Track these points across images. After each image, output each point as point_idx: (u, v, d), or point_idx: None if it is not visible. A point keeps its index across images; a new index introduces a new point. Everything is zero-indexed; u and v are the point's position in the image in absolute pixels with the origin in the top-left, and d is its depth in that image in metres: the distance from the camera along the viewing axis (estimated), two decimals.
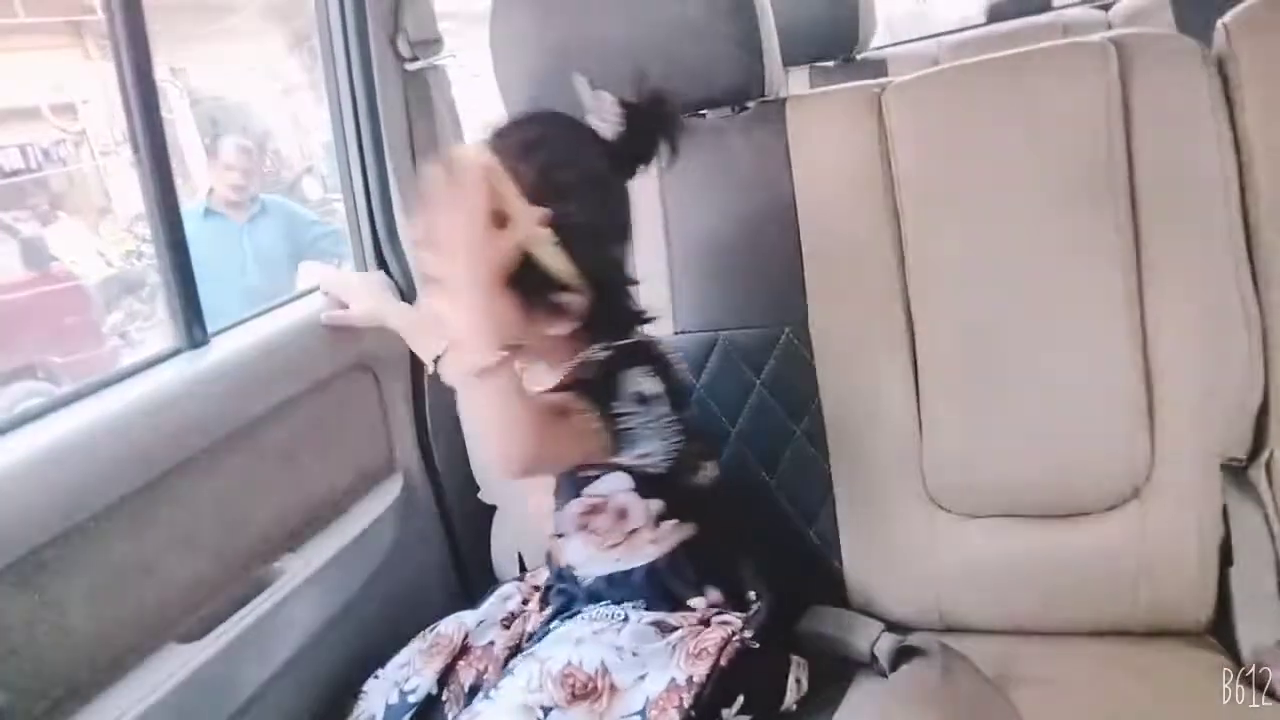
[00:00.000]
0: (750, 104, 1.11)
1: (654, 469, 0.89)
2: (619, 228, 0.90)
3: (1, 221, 5.77)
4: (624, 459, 0.87)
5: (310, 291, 1.22)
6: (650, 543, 0.93)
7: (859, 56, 2.25)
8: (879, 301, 1.03)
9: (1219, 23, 0.93)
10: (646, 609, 0.93)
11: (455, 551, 1.33)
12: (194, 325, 1.06)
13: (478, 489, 1.29)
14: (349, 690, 1.00)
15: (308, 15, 1.29)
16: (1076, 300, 0.96)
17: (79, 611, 0.84)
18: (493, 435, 0.80)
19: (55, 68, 6.83)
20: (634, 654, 0.87)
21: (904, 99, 1.03)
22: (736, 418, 1.10)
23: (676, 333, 1.11)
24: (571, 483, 0.92)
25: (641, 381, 0.87)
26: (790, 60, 1.19)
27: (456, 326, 0.79)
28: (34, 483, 0.81)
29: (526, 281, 0.81)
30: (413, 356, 1.31)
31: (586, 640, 0.89)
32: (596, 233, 0.85)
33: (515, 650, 0.98)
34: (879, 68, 2.22)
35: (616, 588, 0.95)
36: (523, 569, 1.21)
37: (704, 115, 1.13)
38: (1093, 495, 0.98)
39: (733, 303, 1.10)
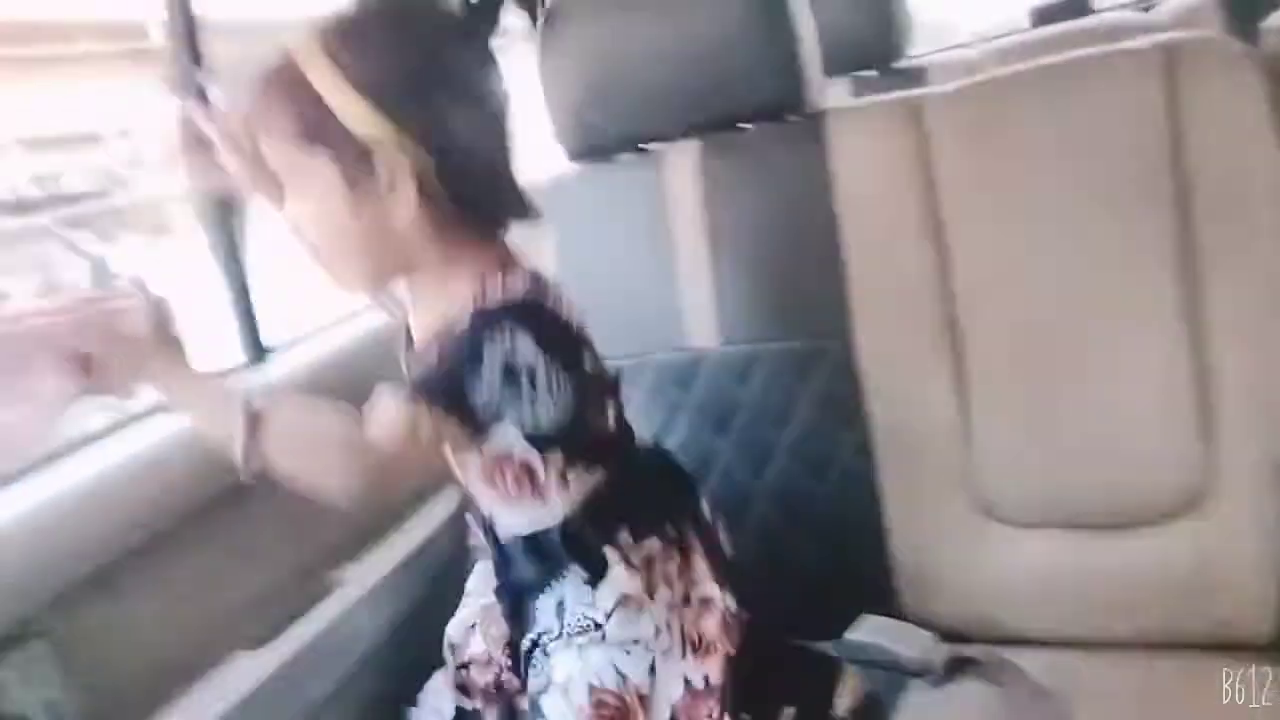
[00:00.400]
0: (791, 117, 1.12)
1: (545, 430, 0.81)
2: (447, 87, 0.77)
3: (71, 241, 5.97)
4: (500, 434, 0.80)
5: (369, 308, 1.25)
6: (559, 496, 0.86)
7: (900, 65, 2.24)
8: (925, 312, 1.03)
9: (1260, 26, 0.93)
10: (571, 565, 0.86)
11: None
12: (254, 341, 1.09)
13: None
14: (408, 699, 1.02)
15: None
16: (1128, 308, 0.95)
17: (153, 621, 0.87)
18: (318, 481, 0.75)
19: (116, 94, 7.06)
20: (635, 641, 0.85)
21: (945, 109, 1.03)
22: (784, 430, 1.11)
23: (723, 344, 1.12)
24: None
25: (513, 354, 0.76)
26: (831, 70, 1.19)
27: (331, 268, 0.80)
28: (110, 497, 0.85)
29: (342, 151, 0.75)
30: None
31: (589, 648, 0.85)
32: (421, 79, 0.75)
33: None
34: (920, 77, 2.20)
35: (538, 555, 0.87)
36: None
37: (746, 129, 1.14)
38: (1149, 505, 0.96)
39: (778, 315, 1.11)
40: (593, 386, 0.86)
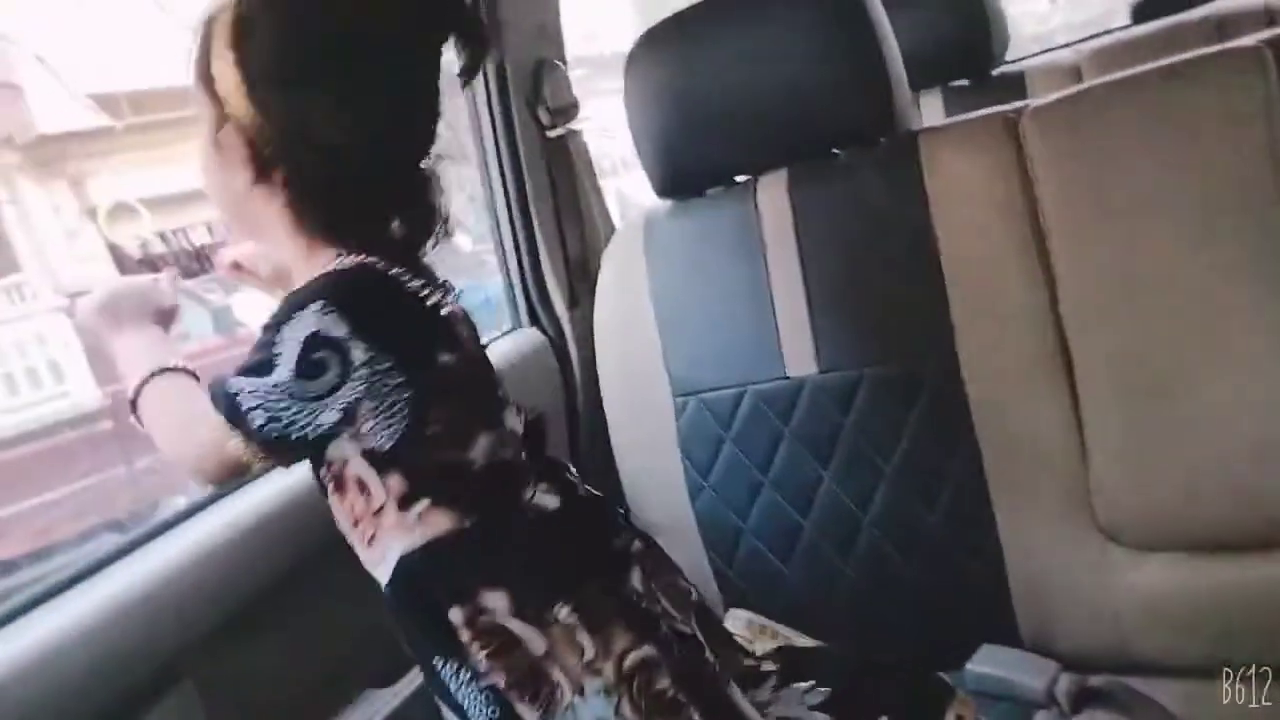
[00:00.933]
0: (882, 139, 1.11)
1: (376, 444, 0.71)
2: (353, 84, 0.72)
3: (194, 292, 6.36)
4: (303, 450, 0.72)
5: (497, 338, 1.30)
6: (398, 528, 0.74)
7: (996, 72, 2.19)
8: (1030, 331, 1.00)
9: None
10: (420, 616, 0.74)
11: None
12: None
13: (629, 513, 1.33)
14: None
15: (456, 88, 1.39)
16: (1244, 322, 0.91)
17: (289, 661, 0.92)
18: (169, 448, 0.76)
19: None
20: None
21: (1044, 123, 1.00)
22: (890, 456, 1.09)
23: (821, 372, 1.12)
24: None
25: (316, 337, 0.68)
26: (921, 83, 1.18)
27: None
28: (247, 547, 0.90)
29: (209, 104, 0.74)
30: (569, 403, 1.37)
31: None
32: (301, 69, 0.72)
33: None
34: (1016, 83, 2.14)
35: (400, 599, 0.76)
36: None
37: (836, 155, 1.14)
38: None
39: (876, 341, 1.10)
40: (448, 392, 0.74)
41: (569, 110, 1.37)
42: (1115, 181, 0.97)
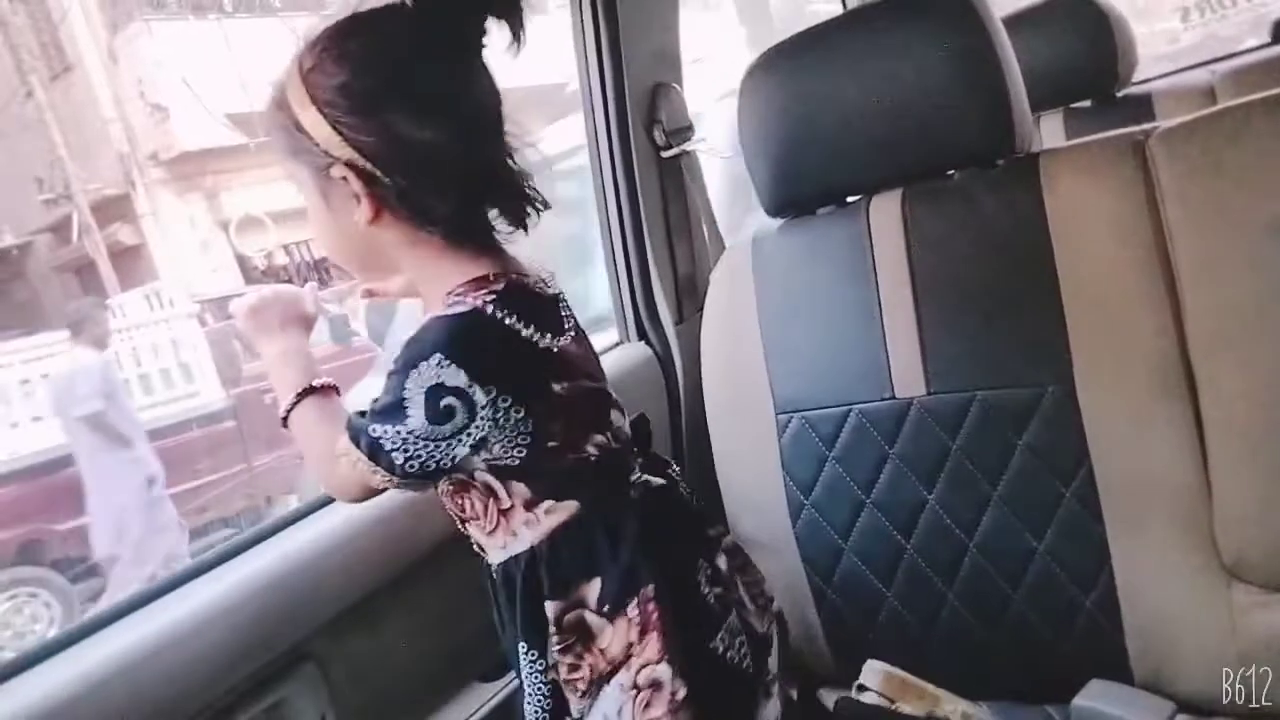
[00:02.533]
0: (1000, 161, 1.10)
1: (505, 462, 0.79)
2: (426, 98, 0.77)
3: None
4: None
5: (605, 351, 1.33)
6: (525, 525, 0.82)
7: (1122, 93, 2.11)
8: (1153, 357, 0.98)
9: None
10: (522, 604, 0.82)
11: None
12: None
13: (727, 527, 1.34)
14: None
15: (564, 97, 1.44)
16: None
17: (402, 649, 0.97)
18: (317, 472, 0.83)
19: None
20: None
21: (1172, 146, 0.98)
22: (998, 481, 1.07)
23: (930, 393, 1.11)
24: None
25: (440, 389, 0.74)
26: (1041, 105, 1.16)
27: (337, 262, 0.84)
28: (371, 537, 0.95)
29: (306, 160, 0.79)
30: (674, 418, 1.40)
31: None
32: (375, 96, 0.76)
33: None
34: (1143, 105, 2.06)
35: (506, 589, 0.85)
36: None
37: (952, 175, 1.13)
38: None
39: (989, 362, 1.08)
40: (563, 413, 0.81)
41: (684, 132, 1.40)
42: (1250, 206, 0.93)
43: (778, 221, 1.23)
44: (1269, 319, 0.92)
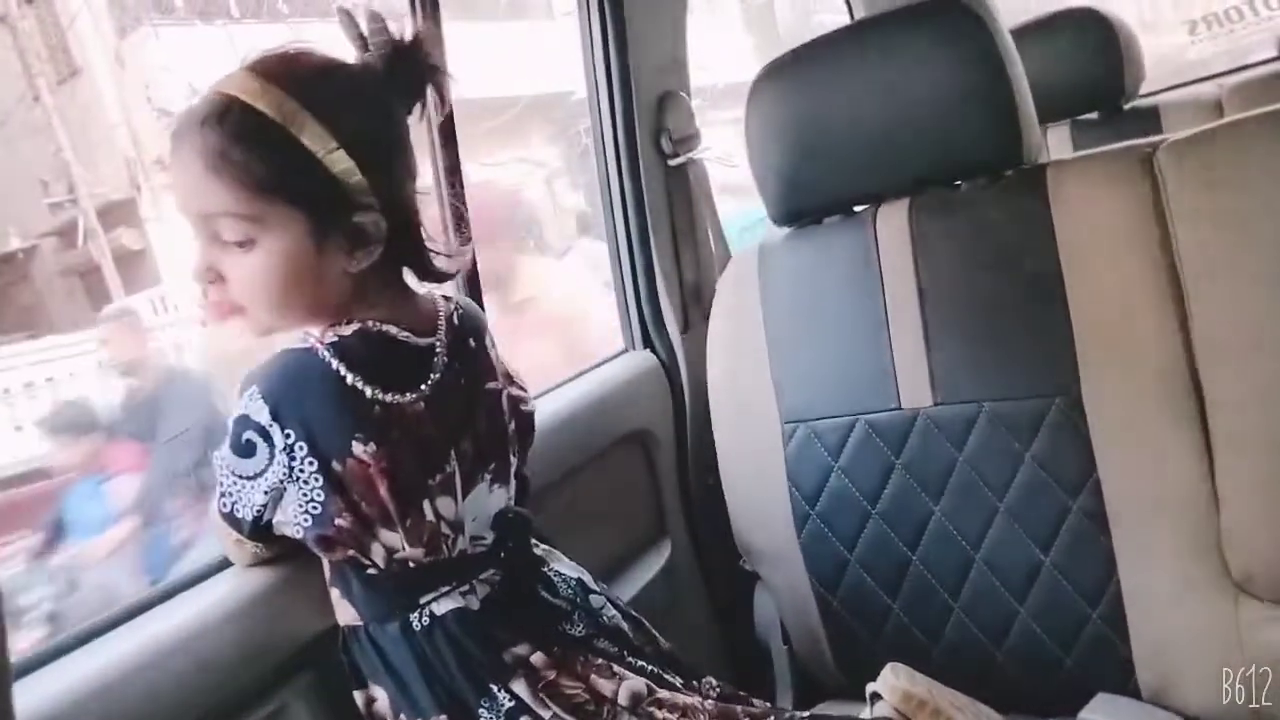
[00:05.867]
0: (1008, 171, 1.10)
1: (299, 530, 0.75)
2: (404, 157, 0.80)
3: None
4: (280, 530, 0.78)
5: (587, 370, 1.34)
6: (338, 602, 0.82)
7: (1129, 105, 2.12)
8: (1161, 370, 0.97)
9: None
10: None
11: (720, 618, 1.38)
12: None
13: (740, 557, 1.34)
14: None
15: (566, 109, 1.45)
16: None
17: None
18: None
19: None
20: None
21: (1181, 159, 0.97)
22: (1005, 493, 1.07)
23: (937, 404, 1.11)
24: None
25: (245, 423, 0.73)
26: (1049, 116, 1.15)
27: (262, 315, 0.77)
28: None
29: (319, 202, 0.74)
30: (679, 426, 1.39)
31: None
32: (382, 143, 0.77)
33: None
34: (1150, 118, 2.06)
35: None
36: (785, 639, 1.24)
37: (959, 186, 1.13)
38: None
39: (996, 374, 1.08)
40: (358, 483, 0.73)
41: (690, 140, 1.40)
42: (1257, 219, 0.93)
43: (784, 230, 1.23)
44: (1270, 336, 0.92)
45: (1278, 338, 0.92)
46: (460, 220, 1.00)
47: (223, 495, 0.77)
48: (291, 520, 0.75)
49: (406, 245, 0.80)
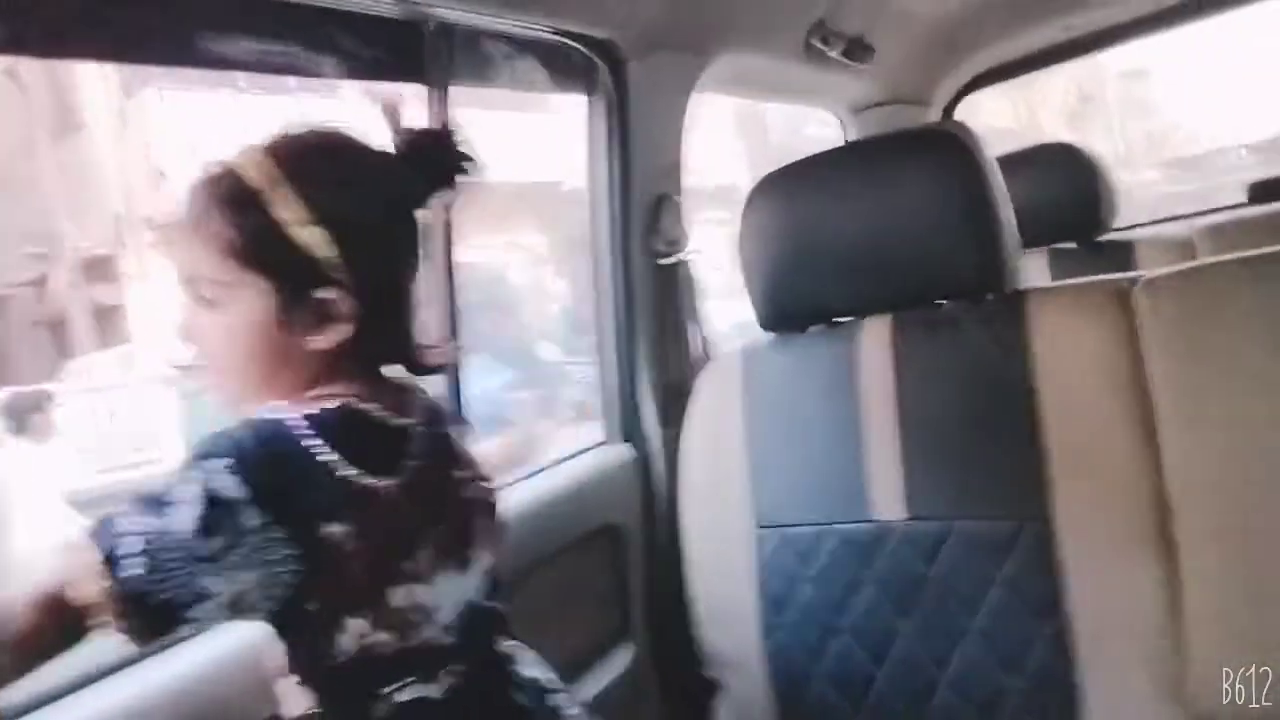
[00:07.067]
0: (989, 295, 1.12)
1: (250, 607, 0.67)
2: (400, 245, 0.79)
3: None
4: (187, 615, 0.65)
5: (563, 460, 1.33)
6: (285, 695, 0.76)
7: (1104, 239, 2.19)
8: (1132, 501, 0.98)
9: None
10: None
11: None
12: None
13: (702, 663, 1.31)
14: None
15: (554, 197, 1.48)
16: None
17: None
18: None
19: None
20: None
21: (1157, 296, 1.01)
22: (973, 615, 1.06)
23: (910, 519, 1.11)
24: None
25: (216, 501, 0.64)
26: (1027, 244, 1.19)
27: (221, 381, 0.76)
28: None
29: (285, 273, 0.72)
30: (649, 523, 1.38)
31: None
32: (368, 225, 0.75)
33: None
34: (1125, 252, 2.13)
35: None
36: None
37: (941, 305, 1.15)
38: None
39: (969, 493, 1.08)
40: (330, 569, 0.69)
41: (680, 241, 1.43)
42: (1231, 358, 0.96)
43: (769, 336, 1.25)
44: (1245, 470, 0.93)
45: (1245, 476, 0.93)
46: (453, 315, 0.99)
47: (151, 577, 0.63)
48: (252, 606, 0.68)
49: (388, 332, 0.79)
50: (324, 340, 0.74)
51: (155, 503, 0.65)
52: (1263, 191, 2.35)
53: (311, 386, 0.76)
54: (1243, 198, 2.43)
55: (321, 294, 0.73)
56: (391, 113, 0.80)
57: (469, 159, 0.82)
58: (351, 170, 0.76)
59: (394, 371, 0.82)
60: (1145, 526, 0.97)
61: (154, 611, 0.64)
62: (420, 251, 0.80)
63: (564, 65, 1.35)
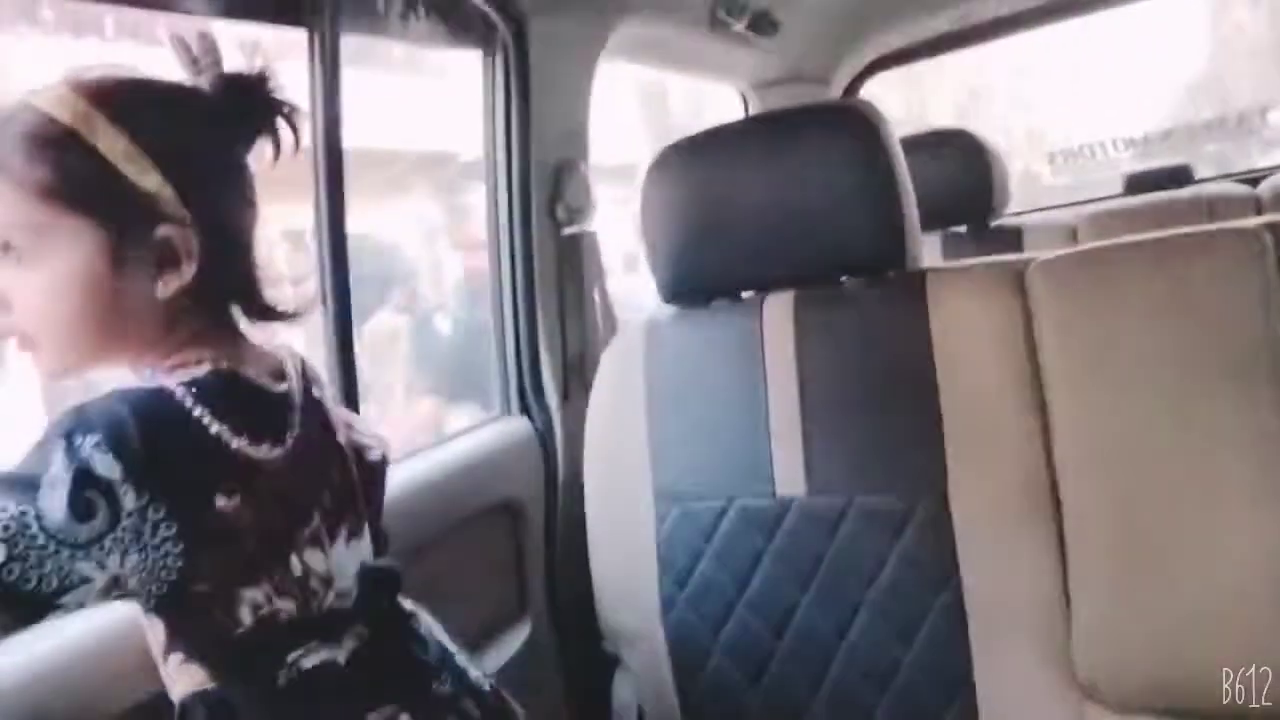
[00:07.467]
0: (890, 274, 1.13)
1: (130, 592, 0.63)
2: (232, 180, 0.73)
3: None
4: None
5: (460, 434, 1.29)
6: (169, 677, 0.71)
7: (995, 224, 2.27)
8: (1023, 475, 1.01)
9: None
10: None
11: (578, 699, 1.33)
12: None
13: (601, 638, 1.30)
14: None
15: (454, 166, 1.43)
16: (1233, 486, 0.92)
17: None
18: None
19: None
20: None
21: (1049, 278, 1.03)
22: (870, 587, 1.08)
23: (810, 494, 1.11)
24: None
25: (89, 479, 0.59)
26: (922, 225, 1.21)
27: (49, 346, 0.67)
28: None
29: (117, 211, 0.65)
30: (549, 498, 1.36)
31: None
32: (197, 156, 0.70)
33: None
34: (1013, 236, 2.22)
35: None
36: None
37: (843, 282, 1.16)
38: (1258, 695, 0.90)
39: (868, 468, 1.10)
40: (220, 543, 0.65)
41: (585, 210, 1.40)
42: (1114, 340, 0.99)
43: (671, 308, 1.23)
44: (1130, 445, 0.97)
45: (1129, 450, 0.97)
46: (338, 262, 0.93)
47: (11, 565, 0.58)
48: (135, 591, 0.63)
49: (231, 272, 0.71)
50: (168, 286, 0.67)
51: (15, 484, 0.59)
52: (1138, 183, 2.50)
53: (160, 347, 0.69)
54: (1120, 189, 2.57)
55: (163, 231, 0.66)
56: (183, 48, 0.72)
57: (289, 106, 0.74)
58: (168, 103, 0.70)
59: (257, 336, 0.75)
60: (1035, 500, 1.00)
61: (19, 601, 0.59)
62: (254, 198, 0.74)
63: (462, 20, 1.29)
